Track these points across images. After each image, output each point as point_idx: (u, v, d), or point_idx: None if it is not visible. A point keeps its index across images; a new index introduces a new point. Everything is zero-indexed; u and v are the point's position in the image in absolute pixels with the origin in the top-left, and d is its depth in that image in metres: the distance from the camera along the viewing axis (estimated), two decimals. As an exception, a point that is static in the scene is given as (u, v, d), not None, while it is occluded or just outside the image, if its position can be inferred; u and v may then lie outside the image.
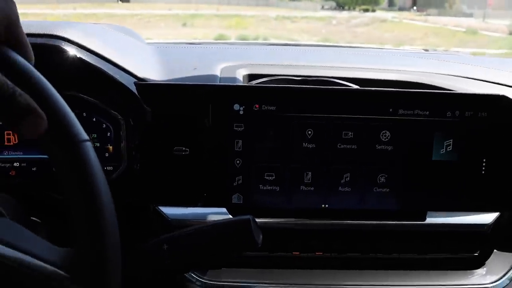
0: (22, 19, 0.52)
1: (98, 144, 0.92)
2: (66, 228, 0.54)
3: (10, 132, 0.93)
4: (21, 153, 0.94)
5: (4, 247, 0.53)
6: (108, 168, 0.93)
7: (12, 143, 0.94)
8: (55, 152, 0.52)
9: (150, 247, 0.72)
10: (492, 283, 0.96)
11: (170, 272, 0.73)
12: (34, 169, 0.94)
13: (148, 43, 1.30)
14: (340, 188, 0.93)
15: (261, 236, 0.71)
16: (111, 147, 0.94)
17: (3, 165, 0.93)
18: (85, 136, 0.53)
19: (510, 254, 1.02)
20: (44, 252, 0.55)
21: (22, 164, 0.94)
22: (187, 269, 0.80)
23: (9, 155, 0.94)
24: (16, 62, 0.49)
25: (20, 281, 0.53)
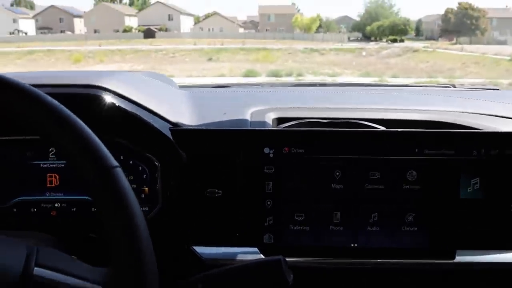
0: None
1: (134, 186, 0.97)
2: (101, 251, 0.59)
3: (53, 174, 0.99)
4: (62, 194, 0.99)
5: (55, 273, 0.58)
6: (144, 209, 0.97)
7: (54, 185, 0.99)
8: (90, 178, 0.58)
9: (185, 286, 0.75)
10: None
11: None
12: (74, 209, 0.99)
13: (180, 86, 1.36)
14: (368, 228, 0.95)
15: (292, 276, 0.73)
16: (146, 189, 0.98)
17: (45, 205, 0.99)
18: (115, 163, 0.59)
19: None
20: (86, 273, 0.59)
21: (63, 205, 0.99)
22: None
23: (50, 196, 0.99)
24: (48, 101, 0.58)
25: None
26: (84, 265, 0.61)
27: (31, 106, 0.58)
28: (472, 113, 1.12)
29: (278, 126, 1.06)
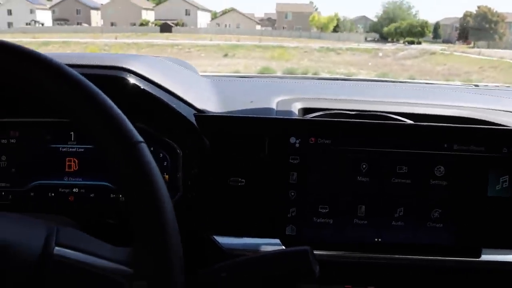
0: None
1: None
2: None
3: (72, 158, 0.98)
4: (81, 179, 0.98)
5: (76, 252, 0.56)
6: None
7: (72, 170, 0.98)
8: (115, 154, 0.57)
9: (208, 274, 0.74)
10: None
11: None
12: (92, 195, 0.98)
13: (202, 75, 1.35)
14: (393, 222, 0.94)
15: (318, 267, 0.72)
16: (167, 176, 0.97)
17: (62, 190, 0.98)
18: (140, 138, 0.58)
19: None
20: (107, 252, 0.58)
21: (81, 190, 0.98)
22: None
23: (69, 181, 0.98)
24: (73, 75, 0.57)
25: (90, 281, 0.56)
26: (106, 245, 0.60)
27: (58, 81, 0.57)
28: (502, 110, 1.10)
29: (305, 116, 1.04)
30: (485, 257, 0.94)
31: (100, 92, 0.58)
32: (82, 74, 0.59)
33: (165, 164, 0.97)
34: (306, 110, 1.07)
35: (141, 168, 0.56)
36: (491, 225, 0.94)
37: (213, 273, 0.73)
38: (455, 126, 0.94)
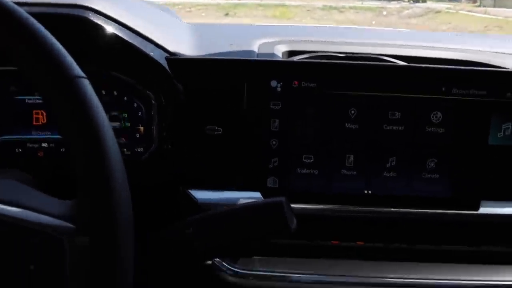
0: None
1: (128, 124, 0.88)
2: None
3: (39, 111, 0.90)
4: (50, 133, 0.90)
5: (11, 208, 0.49)
6: (139, 149, 0.89)
7: (40, 123, 0.90)
8: (51, 90, 0.49)
9: (174, 230, 0.67)
10: None
11: (194, 258, 0.67)
12: (63, 150, 0.90)
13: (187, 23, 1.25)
14: (385, 173, 0.86)
15: (295, 221, 0.64)
16: (142, 128, 0.89)
17: (31, 145, 0.90)
18: (80, 72, 0.49)
19: None
20: (48, 206, 0.51)
21: (51, 145, 0.90)
22: (213, 255, 0.74)
23: (37, 135, 0.90)
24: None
25: (26, 238, 0.49)
26: (50, 199, 0.53)
27: None
28: (507, 53, 1.01)
29: (290, 59, 0.96)
30: (483, 210, 0.87)
31: (34, 21, 0.49)
32: (36, 13, 0.50)
33: (139, 114, 0.89)
34: (291, 53, 0.98)
35: (80, 107, 0.48)
36: (491, 176, 0.86)
37: (179, 228, 0.66)
38: (454, 68, 0.85)
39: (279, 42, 1.00)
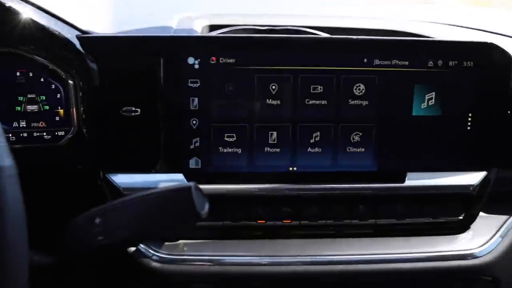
0: None
1: (47, 107, 0.82)
2: None
3: None
4: None
5: None
6: (60, 133, 0.83)
7: None
8: None
9: (80, 222, 0.63)
10: (478, 247, 0.88)
11: (106, 250, 0.63)
12: None
13: None
14: (309, 149, 0.84)
15: (207, 206, 0.61)
16: (61, 111, 0.84)
17: None
18: None
19: (497, 216, 0.94)
20: None
21: None
22: (125, 246, 0.70)
23: None
24: None
25: None
26: None
27: None
28: (429, 22, 1.00)
29: (209, 34, 0.91)
30: (409, 182, 0.86)
31: None
32: None
33: (58, 96, 0.83)
34: (211, 27, 0.93)
35: None
36: (416, 148, 0.85)
37: (85, 220, 0.62)
38: (375, 39, 0.83)
39: (200, 16, 0.95)
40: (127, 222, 0.61)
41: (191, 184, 0.60)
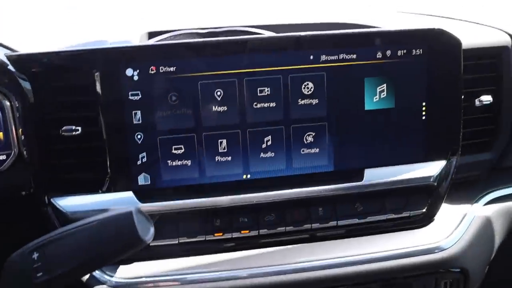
0: None
1: None
2: None
3: None
4: None
5: None
6: (1, 157, 0.78)
7: None
8: None
9: (16, 259, 0.59)
10: (444, 239, 0.86)
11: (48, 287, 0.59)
12: None
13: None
14: (261, 154, 0.81)
15: (151, 230, 0.57)
16: (1, 134, 0.79)
17: None
18: None
19: (459, 204, 0.92)
20: None
21: None
22: (68, 280, 0.65)
23: None
24: None
25: None
26: None
27: None
28: (374, 12, 0.98)
29: (148, 41, 0.87)
30: (368, 179, 0.84)
31: None
32: None
33: None
34: (150, 35, 0.89)
35: None
36: (372, 143, 0.83)
37: (21, 256, 0.58)
38: (318, 33, 0.80)
39: (135, 23, 0.91)
40: (67, 255, 0.57)
41: (132, 208, 0.56)
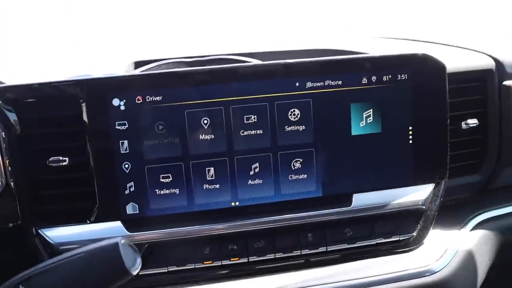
0: None
1: None
2: None
3: None
4: None
5: None
6: None
7: None
8: None
9: None
10: (434, 262, 0.85)
11: None
12: None
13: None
14: (249, 181, 0.81)
15: (138, 261, 0.57)
16: None
17: None
18: None
19: (449, 227, 0.92)
20: None
21: None
22: None
23: None
24: None
25: None
26: None
27: None
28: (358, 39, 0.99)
29: (135, 71, 0.88)
30: (356, 203, 0.84)
31: None
32: None
33: None
34: (136, 64, 0.90)
35: None
36: (359, 168, 0.83)
37: None
38: (302, 61, 0.80)
39: (126, 53, 0.92)
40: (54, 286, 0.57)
41: (118, 239, 0.56)
